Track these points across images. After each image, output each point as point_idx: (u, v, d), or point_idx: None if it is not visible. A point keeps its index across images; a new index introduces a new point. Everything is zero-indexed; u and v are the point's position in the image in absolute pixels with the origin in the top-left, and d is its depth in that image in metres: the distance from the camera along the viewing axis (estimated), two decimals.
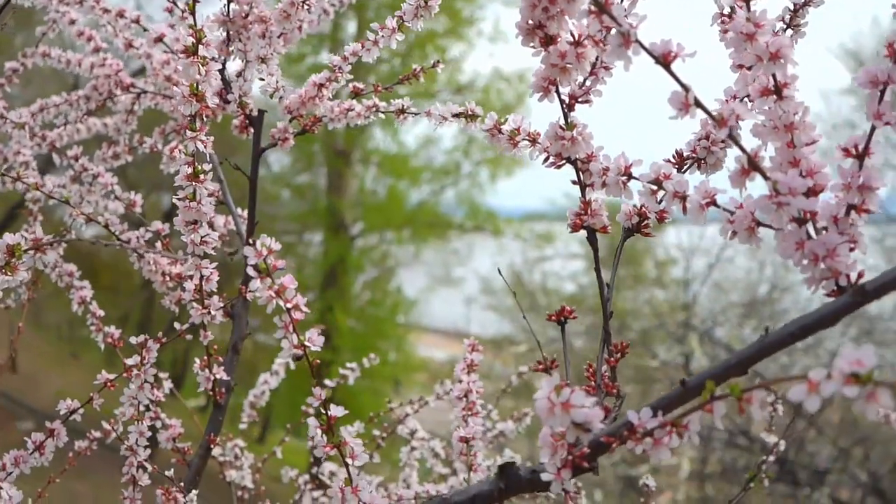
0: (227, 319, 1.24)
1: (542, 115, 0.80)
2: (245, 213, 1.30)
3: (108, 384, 1.09)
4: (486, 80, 10.46)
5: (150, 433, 1.11)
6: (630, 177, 0.78)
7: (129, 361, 1.05)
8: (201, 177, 0.99)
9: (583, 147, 0.78)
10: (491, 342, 9.04)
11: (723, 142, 0.83)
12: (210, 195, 1.01)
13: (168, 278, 1.27)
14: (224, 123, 1.30)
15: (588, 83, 0.79)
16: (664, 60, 0.63)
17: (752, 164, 0.66)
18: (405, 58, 9.12)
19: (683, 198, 0.72)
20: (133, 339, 1.06)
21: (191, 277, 1.05)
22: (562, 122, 0.79)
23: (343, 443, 0.78)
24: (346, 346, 9.62)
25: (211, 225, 1.03)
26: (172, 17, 1.23)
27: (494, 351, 8.80)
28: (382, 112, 1.23)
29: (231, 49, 1.19)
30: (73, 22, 1.49)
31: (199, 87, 0.99)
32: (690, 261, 8.65)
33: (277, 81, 1.19)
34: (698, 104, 0.64)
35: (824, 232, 0.65)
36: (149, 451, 1.11)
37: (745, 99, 0.77)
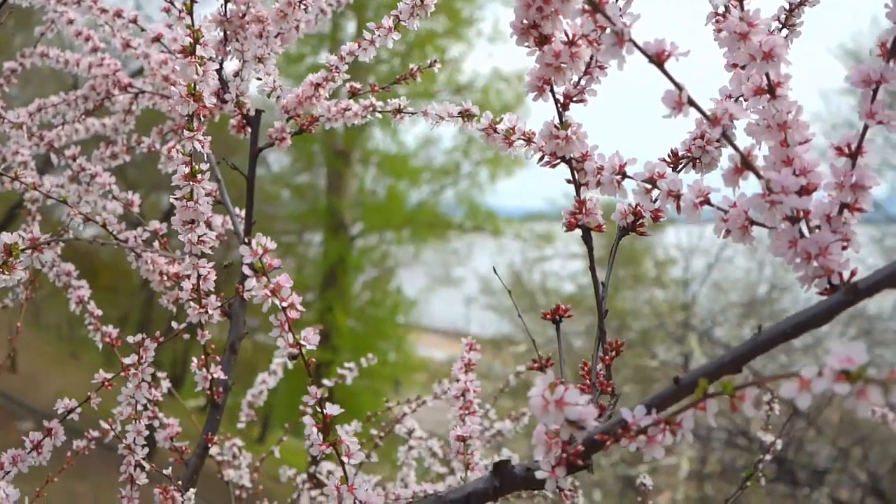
0: (225, 319, 1.24)
1: (541, 115, 0.80)
2: (243, 213, 1.30)
3: (106, 383, 1.09)
4: (485, 81, 10.48)
5: (147, 432, 1.11)
6: (624, 176, 0.78)
7: (127, 360, 1.06)
8: (198, 176, 0.99)
9: (577, 146, 0.78)
10: (490, 342, 9.05)
11: (717, 141, 0.83)
12: (207, 195, 1.01)
13: (166, 278, 1.28)
14: (222, 123, 1.31)
15: (583, 82, 0.79)
16: (658, 59, 0.63)
17: (745, 163, 0.66)
18: (405, 58, 9.13)
19: (677, 196, 0.72)
20: (131, 339, 1.06)
21: (188, 277, 1.06)
22: (556, 121, 0.79)
23: (339, 441, 0.78)
24: (345, 346, 9.63)
25: (209, 224, 1.03)
26: (170, 17, 1.23)
27: (494, 351, 8.81)
28: (379, 112, 1.23)
29: (228, 49, 1.19)
30: (71, 22, 1.49)
31: (197, 86, 0.99)
32: (690, 261, 8.66)
33: (275, 81, 1.19)
34: (692, 103, 0.64)
35: (817, 230, 0.65)
36: (146, 450, 1.11)
37: (740, 98, 0.77)
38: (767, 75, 0.68)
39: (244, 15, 1.17)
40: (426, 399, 1.74)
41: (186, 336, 1.12)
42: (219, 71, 1.21)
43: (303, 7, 1.17)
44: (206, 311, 1.07)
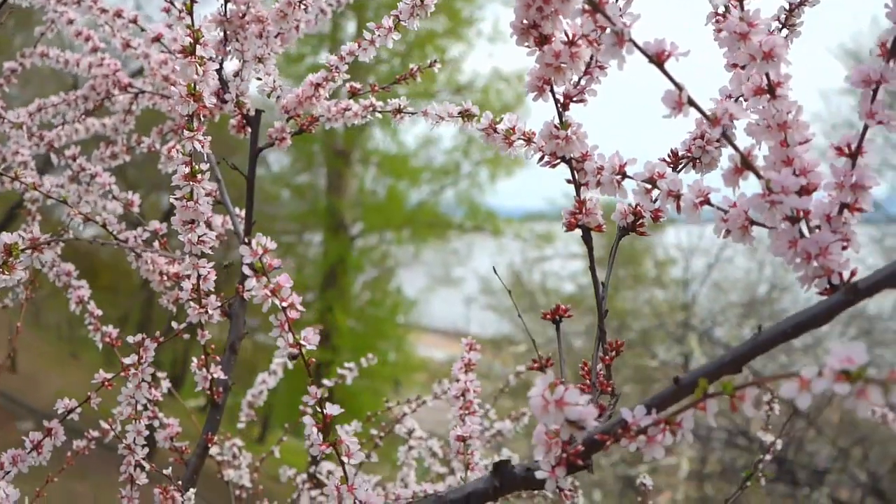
0: (225, 319, 1.24)
1: (541, 115, 0.80)
2: (243, 213, 1.30)
3: (106, 383, 1.09)
4: (485, 81, 10.48)
5: (147, 432, 1.11)
6: (624, 176, 0.78)
7: (127, 361, 1.06)
8: (198, 176, 0.99)
9: (577, 146, 0.78)
10: (490, 342, 9.05)
11: (717, 141, 0.83)
12: (207, 195, 1.01)
13: (165, 278, 1.28)
14: (222, 123, 1.31)
15: (583, 82, 0.79)
16: (658, 59, 0.63)
17: (745, 163, 0.66)
18: (405, 58, 9.13)
19: (677, 196, 0.72)
20: (131, 339, 1.06)
21: (188, 277, 1.06)
22: (556, 121, 0.79)
23: (339, 441, 0.78)
24: (345, 346, 9.63)
25: (208, 224, 1.03)
26: (170, 17, 1.23)
27: (494, 351, 8.81)
28: (379, 112, 1.23)
29: (228, 49, 1.19)
30: (71, 22, 1.49)
31: (197, 86, 0.99)
32: (690, 261, 8.67)
33: (274, 81, 1.19)
34: (692, 103, 0.64)
35: (817, 230, 0.65)
36: (146, 450, 1.11)
37: (740, 98, 0.77)
38: (767, 75, 0.68)
39: (244, 15, 1.17)
40: (426, 399, 1.74)
41: (186, 336, 1.12)
42: (219, 71, 1.21)
43: (303, 7, 1.17)
44: (206, 311, 1.07)
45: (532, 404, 0.63)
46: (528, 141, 0.86)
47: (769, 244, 0.67)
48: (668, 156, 0.86)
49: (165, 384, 1.43)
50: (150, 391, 1.09)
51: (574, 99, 0.79)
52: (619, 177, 0.78)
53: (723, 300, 8.43)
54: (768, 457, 1.41)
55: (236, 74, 1.19)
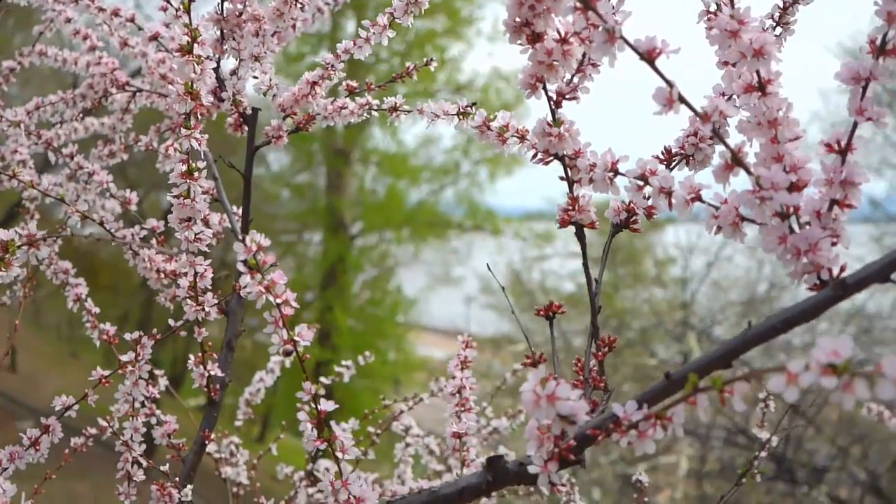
0: (224, 317, 1.25)
1: (541, 114, 0.80)
2: (241, 211, 1.31)
3: (103, 381, 1.09)
4: (485, 80, 10.49)
5: (145, 429, 1.12)
6: (617, 172, 0.79)
7: (124, 358, 1.06)
8: (195, 174, 1.00)
9: (570, 143, 0.79)
10: (490, 341, 9.06)
11: (710, 138, 0.83)
12: (204, 192, 1.02)
13: (163, 275, 1.28)
14: (222, 123, 1.31)
15: (575, 80, 0.80)
16: (649, 57, 0.64)
17: (735, 160, 0.66)
18: (404, 57, 9.14)
19: (669, 193, 0.73)
20: (128, 336, 1.06)
21: (185, 274, 1.06)
22: (549, 118, 0.79)
23: (333, 437, 0.78)
24: (345, 345, 9.64)
25: (206, 222, 1.03)
26: (167, 16, 1.23)
27: (493, 350, 8.82)
28: (375, 110, 1.23)
29: (225, 48, 1.19)
30: (69, 20, 1.50)
31: (194, 85, 1.00)
32: (689, 260, 8.67)
33: (271, 79, 1.19)
34: (682, 100, 0.65)
35: (807, 226, 0.66)
36: (144, 446, 1.11)
37: (734, 96, 0.77)
38: (758, 72, 0.68)
39: (241, 14, 1.18)
40: (423, 396, 1.75)
41: (183, 334, 1.13)
42: (216, 69, 1.22)
43: (299, 6, 1.18)
44: (203, 309, 1.07)
45: (524, 399, 0.64)
46: (522, 138, 0.87)
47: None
48: (662, 153, 0.87)
49: (163, 382, 1.43)
50: (147, 388, 1.09)
51: (567, 96, 0.80)
52: (611, 174, 0.79)
53: (722, 299, 8.44)
54: (764, 454, 1.42)
55: (233, 73, 1.20)
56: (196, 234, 1.02)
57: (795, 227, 0.66)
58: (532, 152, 0.83)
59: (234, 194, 1.38)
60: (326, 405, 0.77)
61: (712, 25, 0.71)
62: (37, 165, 1.60)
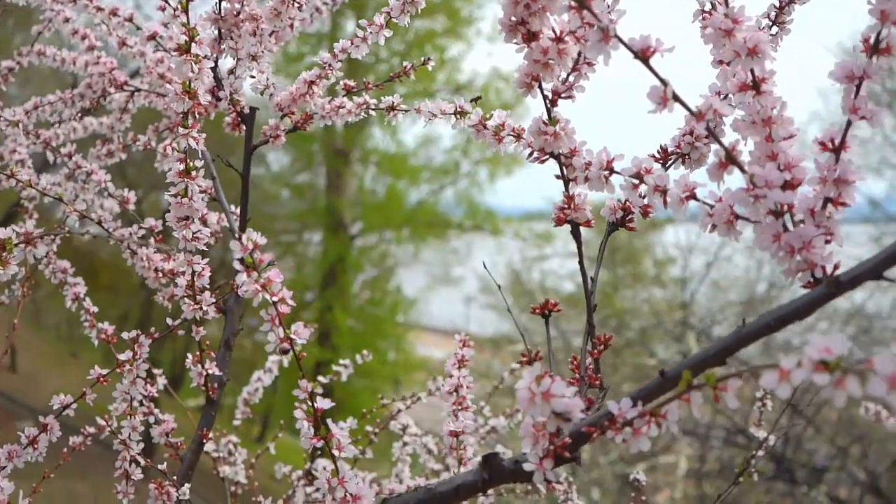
0: (222, 316, 1.25)
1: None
2: (239, 211, 1.31)
3: (101, 379, 1.09)
4: (484, 80, 10.50)
5: (143, 428, 1.12)
6: (612, 171, 0.79)
7: (122, 357, 1.07)
8: (193, 173, 1.00)
9: (566, 142, 0.79)
10: (490, 341, 9.06)
11: (706, 137, 0.84)
12: (202, 191, 1.02)
13: (161, 274, 1.28)
14: (220, 122, 1.31)
15: (571, 79, 0.80)
16: (643, 55, 0.64)
17: (729, 158, 0.67)
18: (404, 57, 9.14)
19: (664, 191, 0.73)
20: (126, 335, 1.07)
21: (183, 273, 1.06)
22: (545, 117, 0.80)
23: (330, 435, 0.78)
24: (345, 345, 9.64)
25: (203, 221, 1.04)
26: (165, 16, 1.23)
27: (493, 350, 8.82)
28: (373, 109, 1.24)
29: (223, 47, 1.19)
30: (67, 20, 1.50)
31: (192, 84, 1.00)
32: (688, 259, 8.67)
33: (268, 78, 1.19)
34: (677, 99, 0.65)
35: (801, 225, 0.66)
36: (142, 445, 1.12)
37: (729, 94, 0.78)
38: (752, 71, 0.68)
39: (239, 13, 1.18)
40: (420, 395, 1.75)
41: (182, 333, 1.13)
42: (214, 69, 1.22)
43: (296, 5, 1.18)
44: (201, 308, 1.08)
45: (519, 396, 0.64)
46: (518, 137, 0.87)
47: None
48: (658, 152, 0.87)
49: (161, 381, 1.44)
50: (145, 387, 1.10)
51: (562, 95, 0.80)
52: (606, 172, 0.79)
53: (721, 299, 8.44)
54: (761, 452, 1.42)
55: (231, 72, 1.20)
56: (194, 233, 1.02)
57: (790, 225, 0.66)
58: (528, 151, 0.84)
59: (232, 194, 1.38)
60: (323, 403, 0.77)
61: (707, 24, 0.72)
62: (36, 165, 1.61)
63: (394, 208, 10.79)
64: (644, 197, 0.78)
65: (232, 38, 1.18)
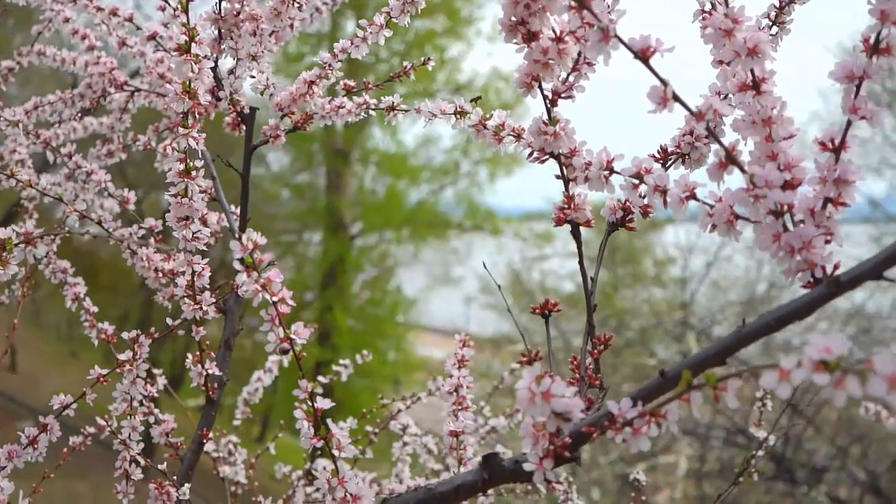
0: (222, 316, 1.25)
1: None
2: (239, 211, 1.31)
3: (101, 379, 1.09)
4: (484, 80, 10.49)
5: (143, 428, 1.12)
6: (612, 171, 0.79)
7: (122, 356, 1.07)
8: (193, 173, 1.00)
9: (566, 142, 0.79)
10: (490, 341, 9.06)
11: (706, 137, 0.84)
12: (202, 191, 1.02)
13: (161, 274, 1.28)
14: (220, 123, 1.31)
15: (571, 79, 0.80)
16: (643, 55, 0.64)
17: (729, 158, 0.67)
18: (404, 57, 9.14)
19: (664, 191, 0.73)
20: (126, 335, 1.07)
21: (183, 273, 1.06)
22: (545, 117, 0.80)
23: (330, 434, 0.78)
24: (345, 345, 9.65)
25: (203, 221, 1.04)
26: (165, 16, 1.23)
27: (493, 350, 8.82)
28: (373, 109, 1.24)
29: (223, 47, 1.19)
30: (67, 20, 1.50)
31: (192, 84, 1.00)
32: (688, 259, 8.67)
33: (268, 78, 1.20)
34: (677, 98, 0.65)
35: (801, 225, 0.66)
36: (142, 444, 1.12)
37: (730, 95, 0.78)
38: (752, 71, 0.68)
39: (239, 13, 1.18)
40: (420, 395, 1.75)
41: (182, 332, 1.13)
42: (214, 69, 1.22)
43: (296, 5, 1.18)
44: (201, 308, 1.08)
45: (519, 396, 0.64)
46: (518, 137, 0.87)
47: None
48: (658, 152, 0.87)
49: (161, 381, 1.44)
50: (145, 387, 1.10)
51: (562, 95, 0.80)
52: (606, 172, 0.79)
53: (721, 299, 8.44)
54: (761, 452, 1.42)
55: (231, 72, 1.20)
56: (194, 233, 1.02)
57: (790, 225, 0.66)
58: (528, 151, 0.84)
59: (233, 194, 1.38)
60: (323, 403, 0.77)
61: (707, 24, 0.72)
62: (36, 165, 1.61)
63: (394, 208, 10.79)
64: (644, 197, 0.78)
65: (232, 38, 1.18)
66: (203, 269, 1.06)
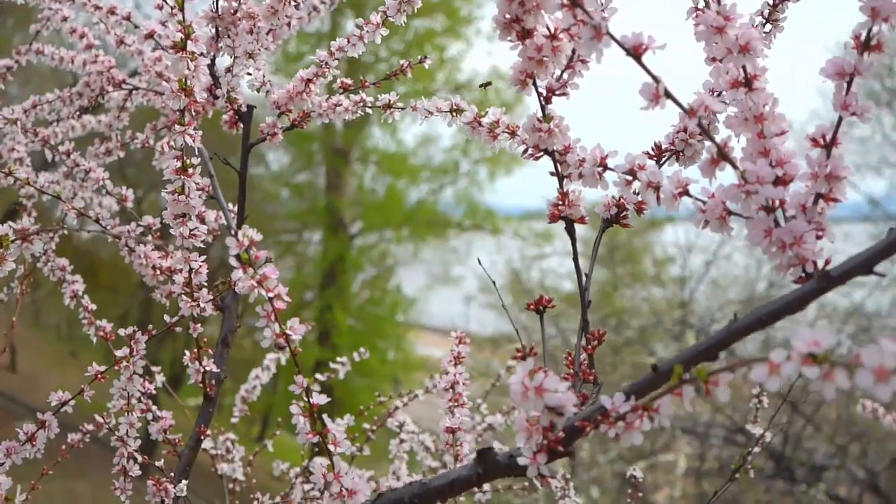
0: (220, 313, 1.25)
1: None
2: (236, 208, 1.31)
3: (99, 376, 1.10)
4: (484, 79, 10.49)
5: (141, 425, 1.12)
6: (606, 168, 0.79)
7: (119, 353, 1.07)
8: (189, 170, 1.01)
9: (560, 139, 0.80)
10: (490, 340, 9.06)
11: (700, 134, 0.84)
12: (199, 189, 1.03)
13: (158, 272, 1.29)
14: (219, 121, 1.32)
15: (565, 76, 0.80)
16: (635, 52, 0.65)
17: (721, 154, 0.67)
18: (403, 57, 9.14)
19: (657, 188, 0.73)
20: (122, 332, 1.07)
21: (180, 270, 1.07)
22: (539, 114, 0.80)
23: (326, 430, 0.79)
24: (345, 344, 9.65)
25: (201, 219, 1.04)
26: (163, 14, 1.24)
27: (492, 349, 8.82)
28: (370, 107, 1.24)
29: (220, 45, 1.20)
30: (65, 19, 1.51)
31: (188, 81, 1.00)
32: (688, 258, 8.68)
33: (264, 76, 1.20)
34: (669, 95, 0.65)
35: (793, 220, 0.66)
36: (140, 442, 1.12)
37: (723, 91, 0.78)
38: (744, 68, 0.69)
39: (236, 11, 1.18)
40: (417, 393, 1.76)
41: (179, 330, 1.13)
42: (211, 67, 1.22)
43: (293, 4, 1.18)
44: (198, 305, 1.08)
45: (512, 391, 0.64)
46: (513, 134, 0.87)
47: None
48: (652, 149, 0.87)
49: (160, 378, 1.44)
50: (143, 384, 1.10)
51: (556, 92, 0.80)
52: (600, 169, 0.79)
53: (721, 297, 8.44)
54: (757, 449, 1.42)
55: (228, 70, 1.20)
56: (191, 230, 1.03)
57: (781, 220, 0.67)
58: (523, 148, 0.84)
59: (232, 194, 1.39)
60: (318, 398, 0.77)
61: (700, 22, 0.72)
62: (36, 164, 1.61)
63: (393, 208, 10.80)
64: (638, 193, 0.78)
65: (229, 37, 1.19)
66: (200, 266, 1.07)
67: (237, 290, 0.74)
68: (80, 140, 1.60)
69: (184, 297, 1.08)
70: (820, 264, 0.65)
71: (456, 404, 1.11)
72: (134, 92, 1.57)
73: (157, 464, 1.14)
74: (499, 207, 11.11)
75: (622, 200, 0.85)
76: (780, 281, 8.00)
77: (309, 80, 1.21)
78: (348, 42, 1.18)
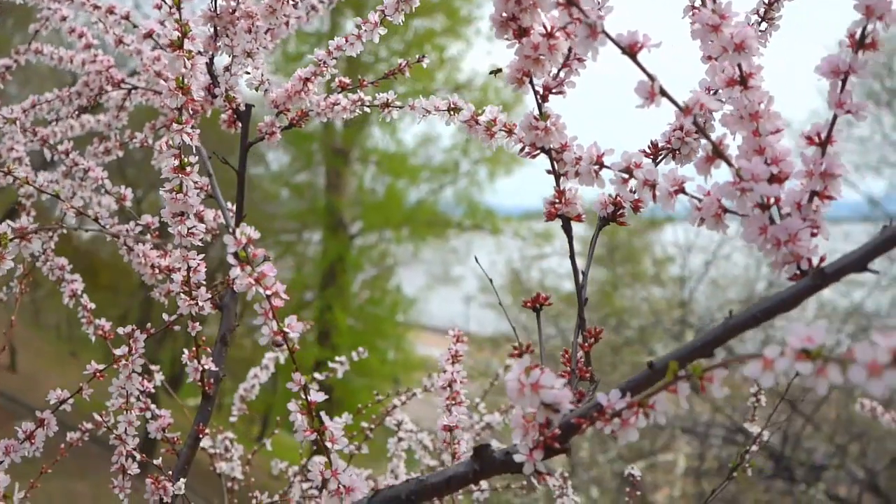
0: (219, 312, 1.26)
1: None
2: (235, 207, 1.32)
3: (98, 374, 1.10)
4: (484, 79, 10.49)
5: (139, 423, 1.13)
6: (602, 166, 0.80)
7: (118, 352, 1.07)
8: (187, 169, 1.01)
9: (556, 137, 0.80)
10: (489, 340, 9.06)
11: (696, 132, 0.84)
12: (197, 187, 1.03)
13: (157, 271, 1.29)
14: (218, 121, 1.32)
15: (562, 74, 0.81)
16: (630, 51, 0.65)
17: (716, 152, 0.67)
18: (403, 56, 9.14)
19: (653, 186, 0.74)
20: (121, 330, 1.07)
21: (179, 269, 1.07)
22: (536, 112, 0.80)
23: (323, 427, 0.79)
24: (345, 344, 9.65)
25: (199, 217, 1.04)
26: (161, 14, 1.24)
27: (492, 349, 8.82)
28: (368, 106, 1.24)
29: (218, 44, 1.20)
30: (64, 19, 1.51)
31: (185, 80, 1.00)
32: (687, 258, 8.68)
33: (262, 75, 1.20)
34: (664, 93, 0.66)
35: (788, 218, 0.67)
36: (138, 440, 1.12)
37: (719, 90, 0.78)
38: (740, 66, 0.69)
39: (234, 10, 1.19)
40: (416, 391, 1.76)
41: (178, 328, 1.14)
42: (209, 66, 1.23)
43: (291, 3, 1.19)
44: (197, 303, 1.08)
45: (508, 387, 0.65)
46: (510, 132, 0.88)
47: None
48: (648, 147, 0.88)
49: (159, 377, 1.44)
50: (141, 383, 1.10)
51: (553, 90, 0.81)
52: (596, 167, 0.80)
53: (721, 297, 8.44)
54: (755, 447, 1.43)
55: (226, 69, 1.21)
56: (189, 229, 1.03)
57: (777, 218, 0.67)
58: (520, 146, 0.84)
59: (231, 194, 1.39)
60: (316, 396, 0.78)
61: (695, 20, 0.72)
62: (35, 164, 1.61)
63: (393, 208, 10.80)
64: (634, 191, 0.79)
65: (227, 36, 1.19)
66: (198, 264, 1.07)
67: (235, 287, 0.74)
68: (79, 139, 1.61)
69: (182, 295, 1.08)
70: (814, 261, 0.65)
71: (453, 402, 1.11)
72: (133, 91, 1.57)
73: (155, 462, 1.14)
74: (499, 207, 11.12)
75: (619, 198, 0.85)
76: (779, 281, 7.99)
77: (307, 79, 1.21)
78: (346, 41, 1.19)
